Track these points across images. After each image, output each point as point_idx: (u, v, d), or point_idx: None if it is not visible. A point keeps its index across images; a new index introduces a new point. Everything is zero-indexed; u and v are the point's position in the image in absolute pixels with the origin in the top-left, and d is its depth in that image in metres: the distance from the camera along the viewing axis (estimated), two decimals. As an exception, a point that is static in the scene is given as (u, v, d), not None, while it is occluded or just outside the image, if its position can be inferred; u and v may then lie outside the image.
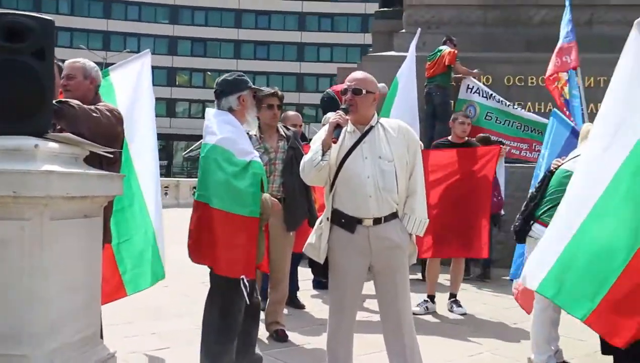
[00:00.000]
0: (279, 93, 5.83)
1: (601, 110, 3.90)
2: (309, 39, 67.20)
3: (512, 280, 5.97)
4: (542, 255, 3.89)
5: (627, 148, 3.70)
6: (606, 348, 4.69)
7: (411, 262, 4.23)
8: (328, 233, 4.05)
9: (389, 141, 4.08)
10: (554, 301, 3.93)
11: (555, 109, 8.22)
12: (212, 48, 67.25)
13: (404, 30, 12.72)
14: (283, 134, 5.85)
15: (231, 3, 66.92)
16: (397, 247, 4.06)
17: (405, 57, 9.39)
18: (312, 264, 4.23)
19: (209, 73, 66.84)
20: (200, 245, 4.20)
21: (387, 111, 7.96)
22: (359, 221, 3.99)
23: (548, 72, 8.65)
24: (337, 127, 3.94)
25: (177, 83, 65.16)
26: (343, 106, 4.07)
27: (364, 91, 4.07)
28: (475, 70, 11.13)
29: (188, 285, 7.91)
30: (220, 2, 66.47)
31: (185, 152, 50.34)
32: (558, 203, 4.83)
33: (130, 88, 5.03)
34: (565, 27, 8.68)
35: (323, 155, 3.92)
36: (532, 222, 5.00)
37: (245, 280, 4.10)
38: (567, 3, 8.80)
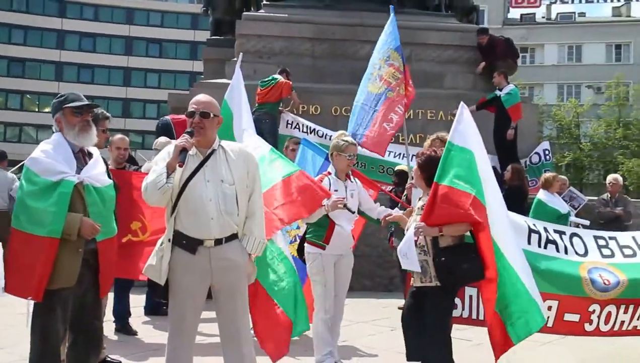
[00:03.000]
0: (106, 115, 5.81)
1: None
2: (136, 63, 65.75)
3: None
4: None
5: None
6: (410, 356, 5.09)
7: (250, 282, 4.36)
8: (170, 255, 4.08)
9: (230, 165, 4.20)
10: None
11: (305, 137, 8.63)
12: (30, 69, 63.72)
13: (235, 59, 12.92)
14: None
15: (53, 23, 63.93)
16: (237, 267, 4.18)
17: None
18: (152, 286, 4.19)
19: (27, 96, 63.21)
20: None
21: (230, 135, 7.98)
22: (200, 242, 4.06)
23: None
24: (183, 151, 4.01)
25: (-9, 105, 60.96)
26: (188, 130, 4.14)
27: (211, 115, 4.19)
28: (280, 108, 11.41)
29: (12, 315, 7.48)
30: (40, 22, 63.27)
31: None
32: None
33: None
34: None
35: (167, 177, 3.97)
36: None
37: (30, 304, 3.99)
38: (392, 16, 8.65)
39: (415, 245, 4.88)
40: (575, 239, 5.94)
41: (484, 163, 5.03)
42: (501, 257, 4.85)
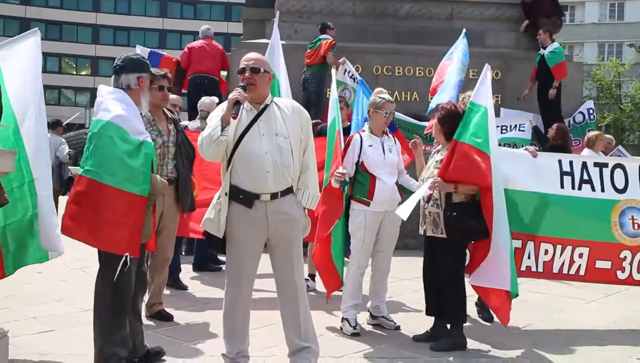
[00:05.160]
0: (169, 75, 5.86)
1: None
2: (171, 25, 65.81)
3: None
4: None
5: None
6: (429, 311, 5.43)
7: (305, 234, 4.44)
8: (227, 209, 4.16)
9: (284, 119, 4.26)
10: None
11: (362, 78, 8.94)
12: (68, 32, 64.23)
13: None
14: (170, 116, 5.86)
15: (89, -15, 64.27)
16: (293, 220, 4.26)
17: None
18: (209, 239, 4.30)
19: (65, 59, 63.82)
20: (81, 222, 4.10)
21: (276, 91, 8.09)
22: (257, 196, 4.14)
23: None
24: (237, 104, 4.06)
25: (29, 68, 61.57)
26: (241, 84, 4.19)
27: (261, 70, 4.24)
28: (340, 60, 11.28)
29: (64, 270, 7.75)
30: (76, -16, 63.64)
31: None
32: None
33: (19, 68, 4.82)
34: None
35: (222, 130, 4.03)
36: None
37: (128, 258, 4.10)
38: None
39: (430, 198, 5.12)
40: (618, 171, 6.02)
41: (493, 120, 5.29)
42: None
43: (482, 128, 5.15)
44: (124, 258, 4.08)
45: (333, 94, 6.12)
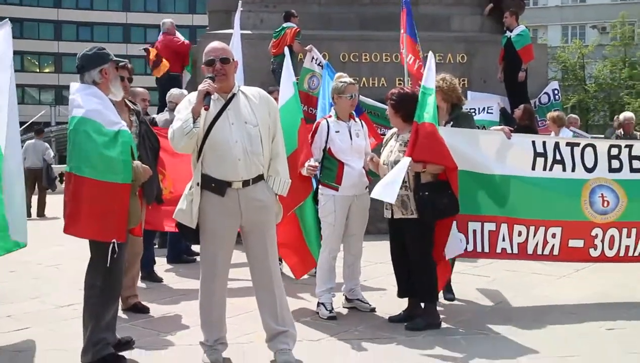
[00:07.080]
0: (129, 65, 5.83)
1: None
2: (135, 19, 65.00)
3: None
4: None
5: None
6: (401, 293, 5.54)
7: (277, 220, 4.47)
8: (199, 199, 4.18)
9: (252, 107, 4.28)
10: None
11: (327, 62, 9.01)
12: (29, 29, 63.10)
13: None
14: (132, 108, 5.83)
15: (49, -19, 63.22)
16: (265, 206, 4.29)
17: (243, 35, 9.59)
18: (182, 230, 4.33)
19: (28, 57, 62.79)
20: (69, 216, 4.19)
21: None
22: (229, 184, 4.16)
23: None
24: (207, 95, 4.07)
25: (-9, 66, 60.47)
26: (209, 75, 4.20)
27: (230, 59, 4.26)
28: (307, 47, 11.26)
29: (37, 268, 7.69)
30: (36, -20, 62.56)
31: None
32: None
33: None
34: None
35: (194, 122, 4.04)
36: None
37: (115, 244, 4.18)
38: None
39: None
40: (588, 150, 6.12)
41: None
42: None
43: (436, 110, 5.29)
44: (111, 245, 4.16)
45: (289, 75, 6.13)
